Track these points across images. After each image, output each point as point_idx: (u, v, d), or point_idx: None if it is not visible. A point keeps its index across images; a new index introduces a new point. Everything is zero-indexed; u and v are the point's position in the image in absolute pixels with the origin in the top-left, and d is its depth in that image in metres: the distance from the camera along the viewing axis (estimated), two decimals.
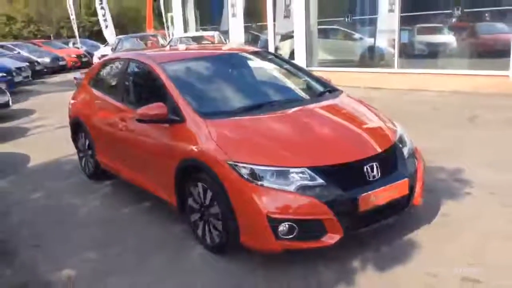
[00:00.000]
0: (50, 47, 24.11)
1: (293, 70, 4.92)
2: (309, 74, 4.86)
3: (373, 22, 14.18)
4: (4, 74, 14.11)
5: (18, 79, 15.15)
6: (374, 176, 3.45)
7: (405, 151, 3.82)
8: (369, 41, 14.15)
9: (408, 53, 12.93)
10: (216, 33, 14.48)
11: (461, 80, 10.66)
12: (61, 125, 8.54)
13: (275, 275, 3.39)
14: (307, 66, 14.85)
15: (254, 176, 3.30)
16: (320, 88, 4.60)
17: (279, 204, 3.25)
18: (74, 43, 26.17)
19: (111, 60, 5.51)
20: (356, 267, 3.43)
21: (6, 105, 10.53)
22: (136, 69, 4.83)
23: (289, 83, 4.72)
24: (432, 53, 12.75)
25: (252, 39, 18.32)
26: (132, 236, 4.21)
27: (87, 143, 5.59)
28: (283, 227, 3.24)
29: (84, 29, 42.38)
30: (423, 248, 3.63)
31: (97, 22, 44.70)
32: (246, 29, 18.25)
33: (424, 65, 12.25)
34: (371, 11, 14.39)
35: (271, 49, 16.69)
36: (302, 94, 4.52)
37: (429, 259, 3.47)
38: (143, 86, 4.74)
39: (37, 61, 20.07)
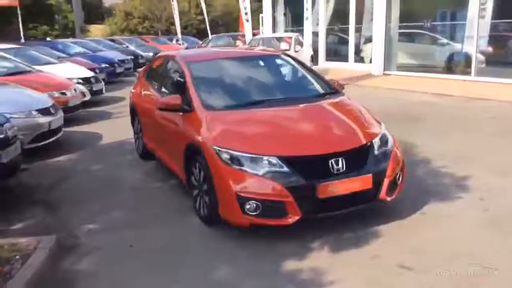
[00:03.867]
0: (155, 42, 26.29)
1: (305, 72, 5.46)
2: (318, 77, 5.36)
3: (454, 28, 13.94)
4: (107, 65, 15.97)
5: (119, 70, 17.03)
6: (338, 169, 3.94)
7: (380, 150, 4.22)
8: (449, 47, 13.92)
9: (489, 61, 12.58)
10: (295, 35, 15.08)
11: None
12: None
13: (246, 244, 4.03)
14: (384, 70, 14.98)
15: (232, 160, 3.96)
16: (321, 90, 5.13)
17: (247, 185, 3.88)
18: (177, 40, 28.16)
19: (160, 57, 6.44)
20: (314, 246, 3.95)
21: (100, 92, 12.11)
22: (170, 65, 5.67)
23: (295, 83, 5.30)
24: None
25: (338, 41, 18.68)
26: (154, 203, 5.08)
27: (139, 127, 6.58)
28: (250, 205, 3.87)
29: (192, 27, 45.15)
30: (383, 238, 4.05)
31: (203, 20, 47.59)
32: (331, 31, 18.64)
33: (502, 74, 11.88)
34: (453, 17, 14.13)
35: (351, 52, 16.98)
36: (302, 94, 5.08)
37: (382, 247, 3.89)
38: (173, 79, 5.54)
39: (141, 55, 22.08)
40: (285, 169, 3.86)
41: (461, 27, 13.15)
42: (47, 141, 7.12)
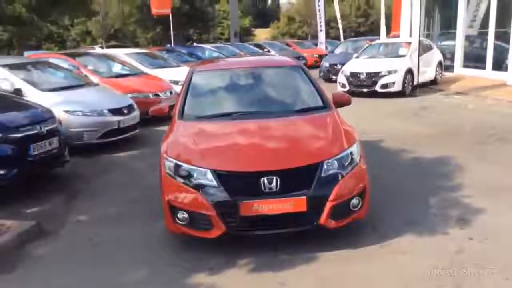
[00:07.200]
0: (298, 47, 26.69)
1: (304, 86, 5.20)
2: (318, 92, 5.05)
3: None
4: None
5: None
6: (271, 188, 3.80)
7: (329, 172, 3.92)
8: None
9: None
10: (416, 40, 14.00)
11: None
12: None
13: (179, 252, 4.14)
14: None
15: (171, 169, 4.08)
16: (308, 105, 4.91)
17: (178, 195, 3.98)
18: (316, 44, 28.02)
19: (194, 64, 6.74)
20: (239, 264, 3.86)
21: None
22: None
23: (284, 96, 5.08)
24: None
25: (479, 46, 16.92)
26: (146, 203, 5.31)
27: None
28: (180, 214, 3.97)
29: (351, 30, 44.71)
30: (311, 266, 3.80)
31: (363, 23, 46.76)
32: (474, 35, 17.00)
33: None
34: None
35: (489, 58, 15.25)
36: (282, 107, 4.90)
37: (299, 275, 3.67)
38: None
39: None
40: (214, 183, 3.86)
41: None
42: (115, 138, 7.95)
